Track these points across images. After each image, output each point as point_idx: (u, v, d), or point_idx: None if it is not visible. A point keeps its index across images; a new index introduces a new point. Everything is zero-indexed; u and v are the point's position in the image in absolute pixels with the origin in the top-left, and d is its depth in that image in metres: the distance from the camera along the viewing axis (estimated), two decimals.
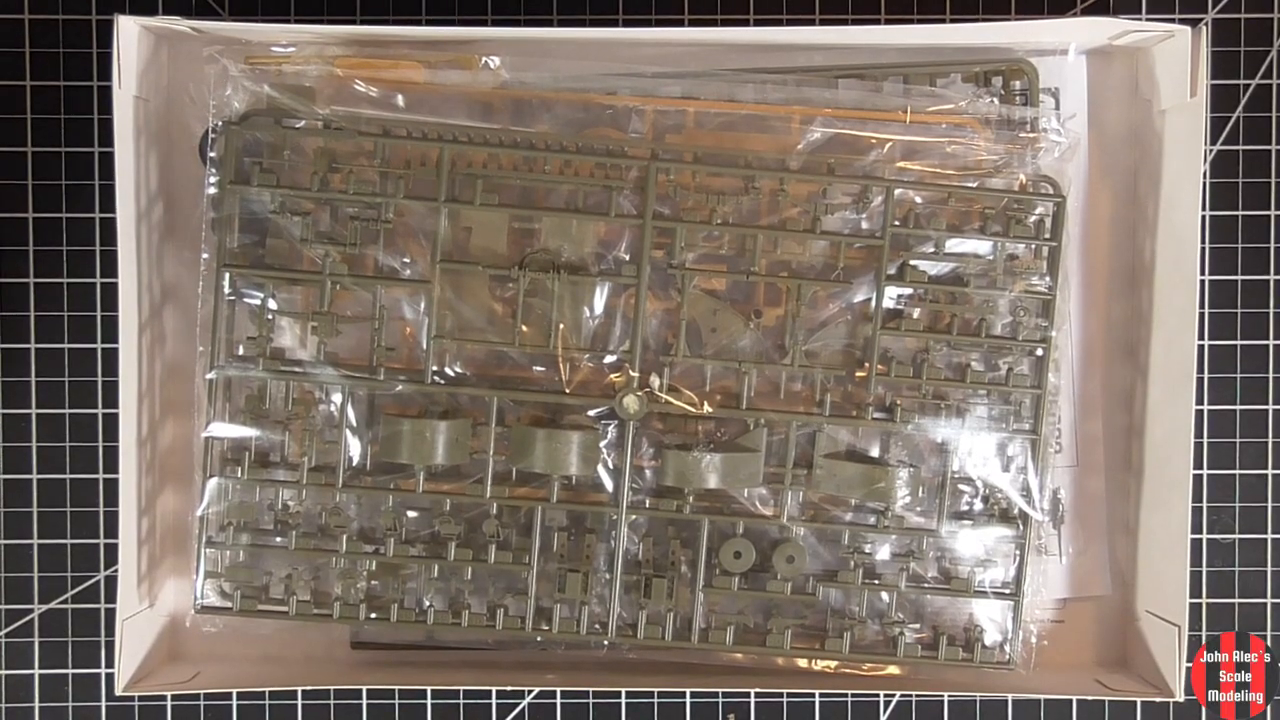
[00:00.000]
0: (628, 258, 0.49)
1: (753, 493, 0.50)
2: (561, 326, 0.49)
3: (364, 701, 0.53)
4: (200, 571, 0.49)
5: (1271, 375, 0.54)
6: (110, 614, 0.51)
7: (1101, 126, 0.52)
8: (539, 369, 0.50)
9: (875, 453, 0.50)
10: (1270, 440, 0.54)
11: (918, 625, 0.50)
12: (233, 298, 0.49)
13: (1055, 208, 0.48)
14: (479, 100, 0.49)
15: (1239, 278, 0.54)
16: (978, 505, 0.50)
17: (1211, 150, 0.54)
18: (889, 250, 0.48)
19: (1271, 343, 0.54)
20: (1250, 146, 0.54)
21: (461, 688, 0.53)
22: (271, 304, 0.49)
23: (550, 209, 0.49)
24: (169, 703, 0.53)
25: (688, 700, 0.54)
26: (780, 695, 0.54)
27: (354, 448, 0.49)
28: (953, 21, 0.53)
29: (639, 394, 0.49)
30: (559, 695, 0.53)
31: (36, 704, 0.54)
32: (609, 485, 0.49)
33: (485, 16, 0.53)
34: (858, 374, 0.49)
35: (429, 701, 0.54)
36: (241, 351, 0.49)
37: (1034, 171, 0.49)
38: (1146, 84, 0.52)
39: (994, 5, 0.53)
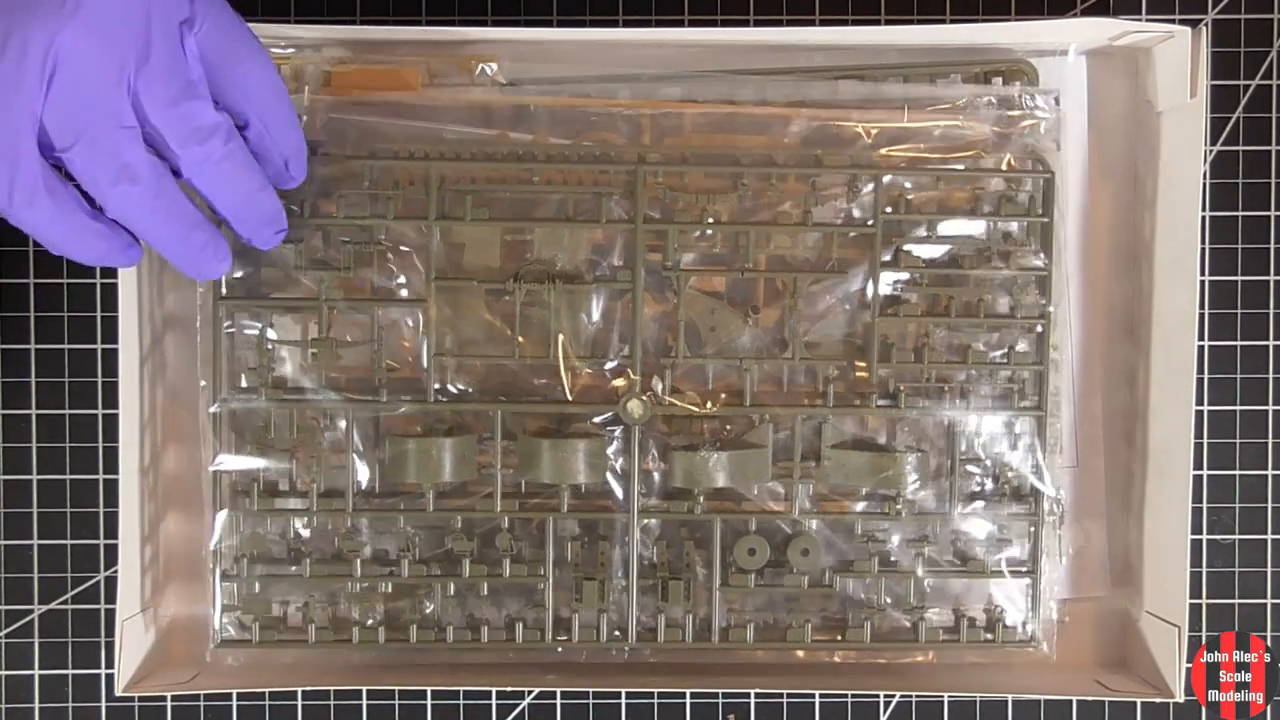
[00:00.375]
0: (621, 263, 0.49)
1: (763, 489, 0.50)
2: (561, 336, 0.49)
3: (364, 702, 0.53)
4: (217, 605, 0.49)
5: (1271, 376, 0.54)
6: (110, 615, 0.51)
7: (1101, 126, 0.52)
8: (541, 380, 0.50)
9: (882, 440, 0.50)
10: (1270, 440, 0.54)
11: (937, 610, 0.51)
12: (231, 329, 0.49)
13: (1044, 183, 0.49)
14: (477, 106, 0.49)
15: (1239, 278, 0.54)
16: (988, 485, 0.50)
17: (1211, 151, 0.53)
18: (882, 237, 0.49)
19: (1271, 343, 0.54)
20: (1250, 147, 0.54)
21: (461, 688, 0.53)
22: (271, 334, 0.49)
23: (541, 219, 0.49)
24: (169, 703, 0.53)
25: (688, 700, 0.54)
26: (780, 695, 0.54)
27: (361, 471, 0.49)
28: (953, 22, 0.53)
29: (642, 398, 0.49)
30: (559, 696, 0.53)
31: (36, 704, 0.54)
32: (618, 491, 0.49)
33: (485, 17, 0.53)
34: (859, 363, 0.49)
35: (429, 702, 0.54)
36: (244, 383, 0.49)
37: (1022, 150, 0.49)
38: (1146, 84, 0.52)
39: (994, 5, 0.53)
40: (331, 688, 0.53)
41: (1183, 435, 0.49)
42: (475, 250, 0.49)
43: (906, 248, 0.49)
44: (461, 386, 0.50)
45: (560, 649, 0.50)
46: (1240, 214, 0.54)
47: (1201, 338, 0.53)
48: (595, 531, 0.50)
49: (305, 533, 0.50)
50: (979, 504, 0.50)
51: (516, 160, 0.48)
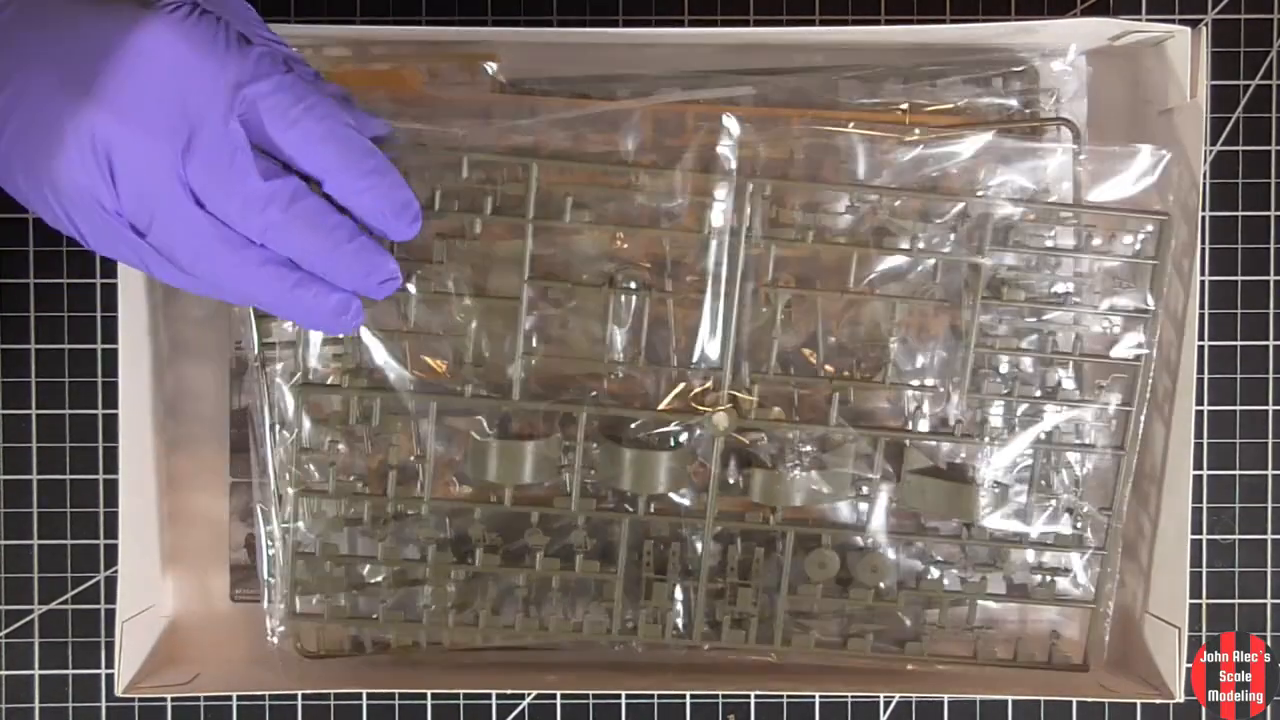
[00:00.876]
0: (715, 270, 0.48)
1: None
2: (650, 342, 0.48)
3: (364, 703, 0.53)
4: (290, 582, 0.49)
5: (1271, 376, 0.54)
6: (110, 614, 0.51)
7: (1101, 127, 0.52)
8: (622, 382, 0.49)
9: (959, 460, 0.50)
10: (1270, 440, 0.54)
11: (995, 631, 0.51)
12: None
13: (1159, 226, 0.48)
14: (480, 105, 0.49)
15: (1239, 278, 0.54)
16: (1063, 517, 0.50)
17: (1211, 151, 0.53)
18: (983, 270, 0.48)
19: (1271, 343, 0.54)
20: (1250, 147, 0.54)
21: (461, 690, 0.53)
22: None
23: (638, 225, 0.48)
24: (169, 703, 0.53)
25: (688, 701, 0.54)
26: (780, 695, 0.54)
27: (433, 463, 0.49)
28: (953, 21, 0.53)
29: (728, 409, 0.48)
30: (559, 697, 0.53)
31: (36, 704, 0.54)
32: (694, 498, 0.49)
33: (485, 17, 0.53)
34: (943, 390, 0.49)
35: (429, 703, 0.54)
36: (322, 365, 0.48)
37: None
38: (1146, 84, 0.52)
39: (994, 5, 0.53)
40: (332, 690, 0.53)
41: (1183, 435, 0.49)
42: (567, 252, 0.48)
43: (1004, 278, 0.48)
44: (543, 387, 0.49)
45: (622, 643, 0.50)
46: (1240, 214, 0.54)
47: (1201, 338, 0.53)
48: (666, 534, 0.50)
49: (372, 519, 0.49)
50: (1049, 535, 0.50)
51: (619, 164, 0.47)
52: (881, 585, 0.50)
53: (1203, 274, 0.52)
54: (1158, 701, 0.51)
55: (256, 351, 0.48)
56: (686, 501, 0.49)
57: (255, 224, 0.40)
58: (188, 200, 0.39)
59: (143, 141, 0.38)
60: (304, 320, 0.44)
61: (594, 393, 0.49)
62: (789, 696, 0.54)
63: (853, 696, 0.54)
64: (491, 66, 0.49)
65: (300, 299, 0.42)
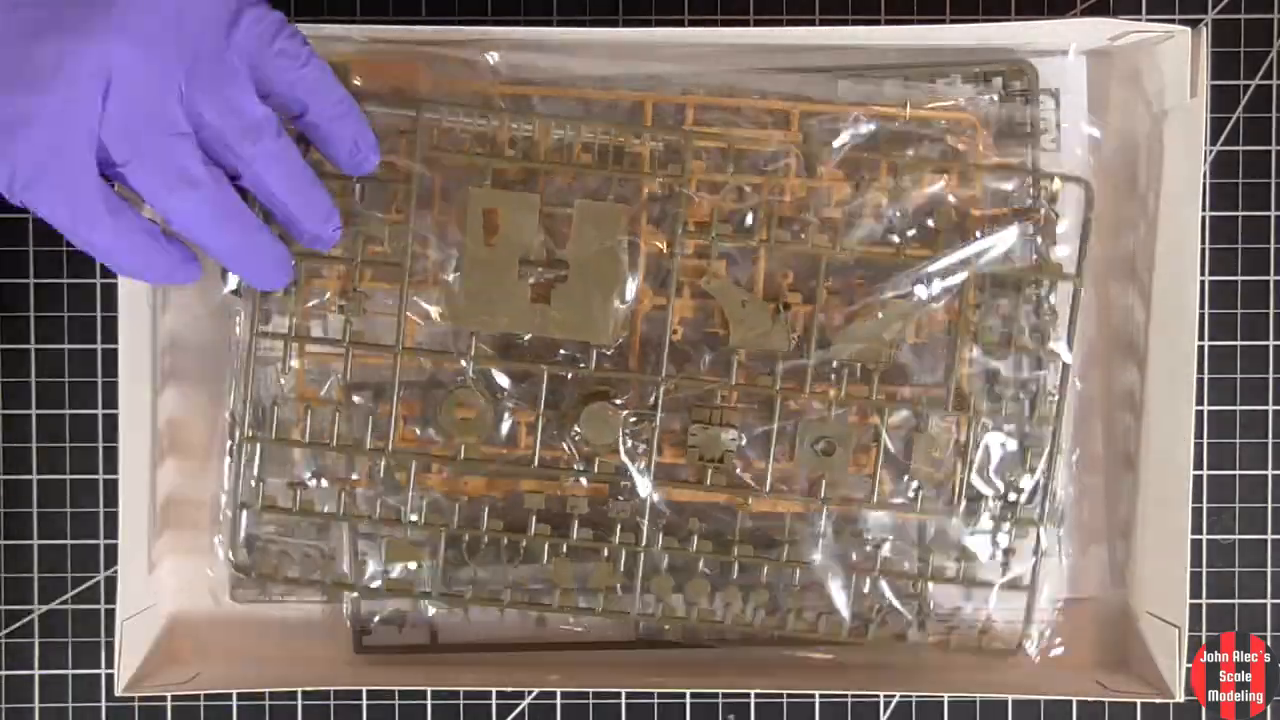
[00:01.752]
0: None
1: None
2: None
3: (364, 702, 0.53)
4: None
5: (1271, 376, 0.54)
6: (110, 614, 0.51)
7: (1101, 126, 0.52)
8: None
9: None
10: (1270, 440, 0.54)
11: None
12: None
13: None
14: (478, 94, 0.49)
15: (1239, 278, 0.54)
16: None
17: (1211, 151, 0.54)
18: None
19: (1271, 343, 0.54)
20: (1250, 147, 0.54)
21: (462, 689, 0.53)
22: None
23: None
24: (169, 703, 0.53)
25: (688, 700, 0.54)
26: (780, 695, 0.54)
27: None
28: (953, 22, 0.53)
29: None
30: (559, 696, 0.53)
31: (36, 704, 0.54)
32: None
33: (485, 16, 0.53)
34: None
35: (429, 702, 0.54)
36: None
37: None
38: (1146, 84, 0.52)
39: (994, 5, 0.54)
40: (331, 688, 0.53)
41: (1183, 435, 0.49)
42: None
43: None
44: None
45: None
46: (1240, 214, 0.54)
47: (1201, 338, 0.53)
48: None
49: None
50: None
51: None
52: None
53: (1203, 274, 0.52)
54: (1157, 701, 0.51)
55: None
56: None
57: (249, 150, 0.40)
58: (183, 124, 0.39)
59: (150, 63, 0.38)
60: (252, 269, 0.44)
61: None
62: (789, 696, 0.54)
63: (853, 696, 0.54)
64: (493, 56, 0.49)
65: (259, 243, 0.43)
